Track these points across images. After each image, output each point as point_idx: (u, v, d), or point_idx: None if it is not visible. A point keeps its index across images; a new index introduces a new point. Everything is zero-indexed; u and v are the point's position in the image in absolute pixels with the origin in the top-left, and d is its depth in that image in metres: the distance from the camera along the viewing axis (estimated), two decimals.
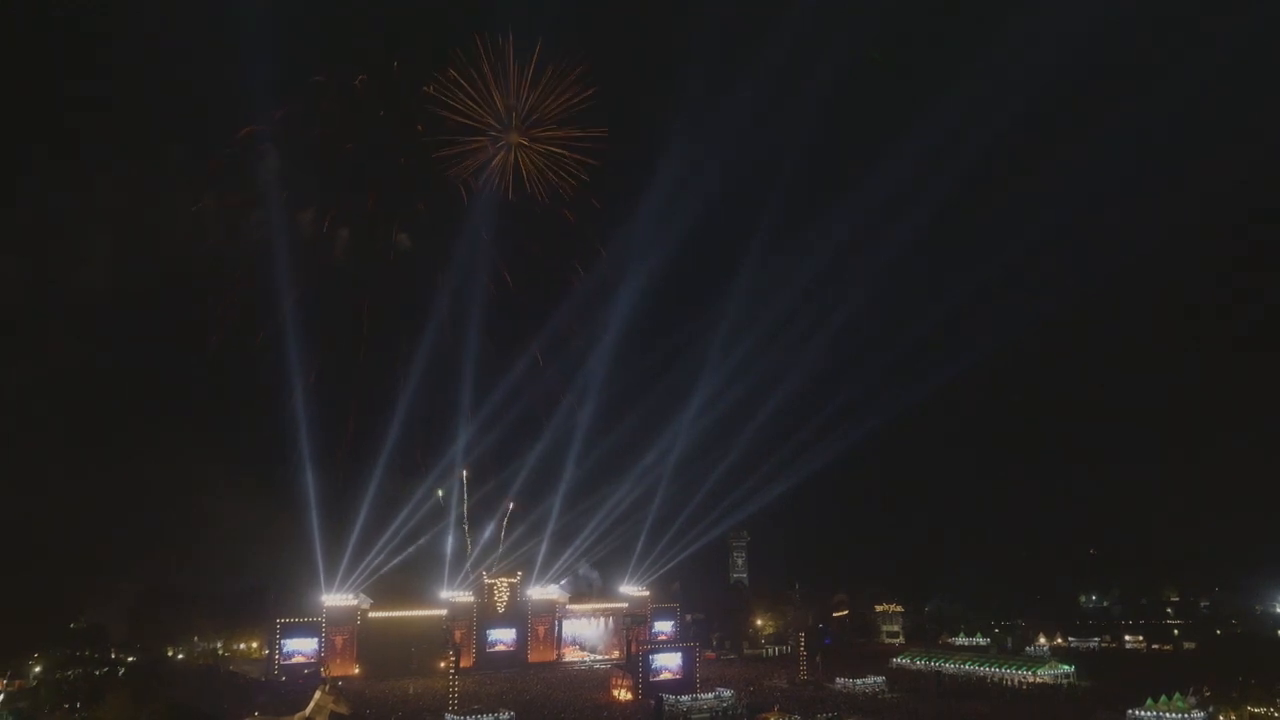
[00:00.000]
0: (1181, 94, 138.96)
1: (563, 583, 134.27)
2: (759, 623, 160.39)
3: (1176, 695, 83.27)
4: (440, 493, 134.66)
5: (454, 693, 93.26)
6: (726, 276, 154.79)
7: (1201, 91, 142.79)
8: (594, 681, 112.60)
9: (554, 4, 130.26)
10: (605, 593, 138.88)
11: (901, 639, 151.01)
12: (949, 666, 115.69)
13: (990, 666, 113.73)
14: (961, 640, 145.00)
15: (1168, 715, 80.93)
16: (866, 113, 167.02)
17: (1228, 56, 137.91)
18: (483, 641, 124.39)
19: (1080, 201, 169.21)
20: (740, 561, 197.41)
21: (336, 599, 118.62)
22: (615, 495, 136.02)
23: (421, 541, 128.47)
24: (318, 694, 66.03)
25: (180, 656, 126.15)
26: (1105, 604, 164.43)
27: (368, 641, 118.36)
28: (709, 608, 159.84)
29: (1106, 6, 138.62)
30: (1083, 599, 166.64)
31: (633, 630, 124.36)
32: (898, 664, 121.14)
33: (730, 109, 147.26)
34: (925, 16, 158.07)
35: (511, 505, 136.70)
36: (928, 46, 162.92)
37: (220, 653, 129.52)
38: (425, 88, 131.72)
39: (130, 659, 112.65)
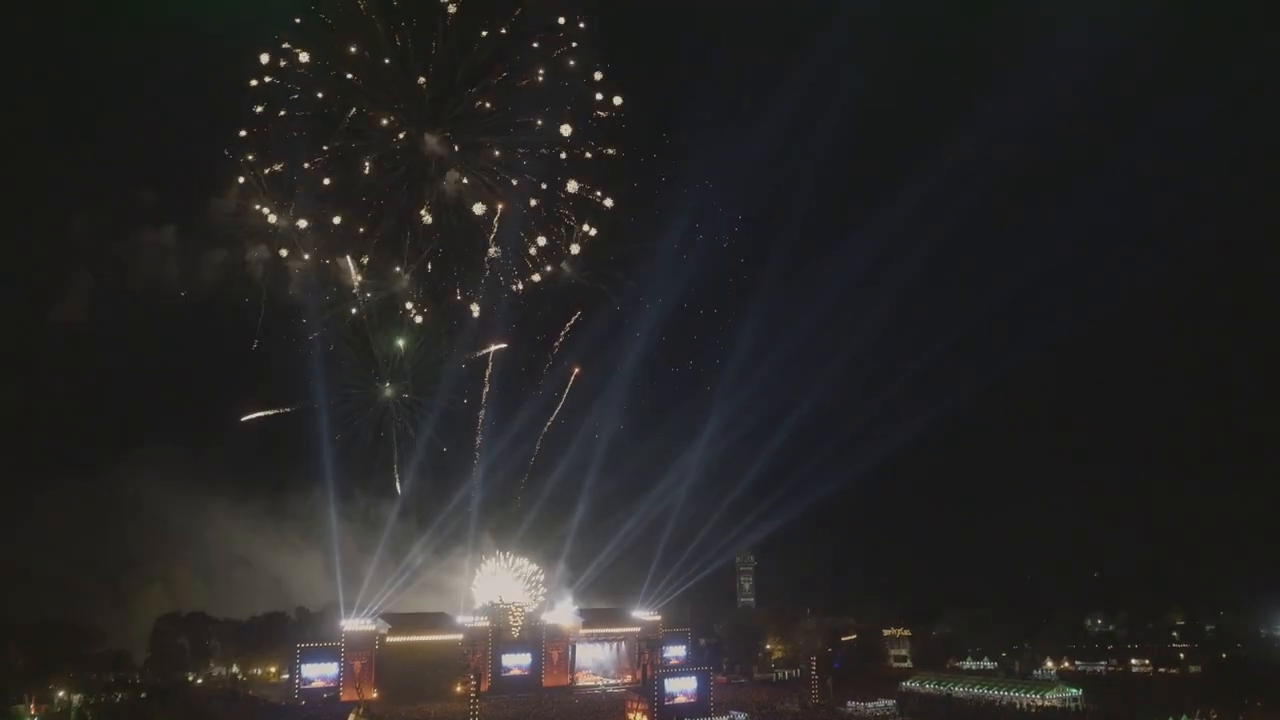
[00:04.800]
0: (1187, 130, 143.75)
1: (577, 608, 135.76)
2: (768, 646, 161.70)
3: (1184, 718, 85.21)
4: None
5: (474, 717, 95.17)
6: (736, 308, 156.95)
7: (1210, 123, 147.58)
8: (609, 706, 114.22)
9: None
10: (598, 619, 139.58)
11: (909, 663, 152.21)
12: (959, 690, 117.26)
13: (999, 690, 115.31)
14: (969, 664, 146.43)
15: None
16: (878, 140, 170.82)
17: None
18: (498, 666, 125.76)
19: (1094, 225, 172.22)
20: (747, 585, 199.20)
21: (355, 624, 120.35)
22: (628, 522, 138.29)
23: (440, 566, 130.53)
24: (351, 716, 68.12)
25: (199, 681, 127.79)
26: (1111, 628, 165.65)
27: (385, 666, 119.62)
28: (718, 631, 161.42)
29: (1116, 33, 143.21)
30: (1089, 623, 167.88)
31: (646, 655, 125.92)
32: (907, 687, 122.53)
33: (746, 136, 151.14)
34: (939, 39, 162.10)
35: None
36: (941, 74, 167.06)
37: (239, 677, 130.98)
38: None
39: (139, 684, 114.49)
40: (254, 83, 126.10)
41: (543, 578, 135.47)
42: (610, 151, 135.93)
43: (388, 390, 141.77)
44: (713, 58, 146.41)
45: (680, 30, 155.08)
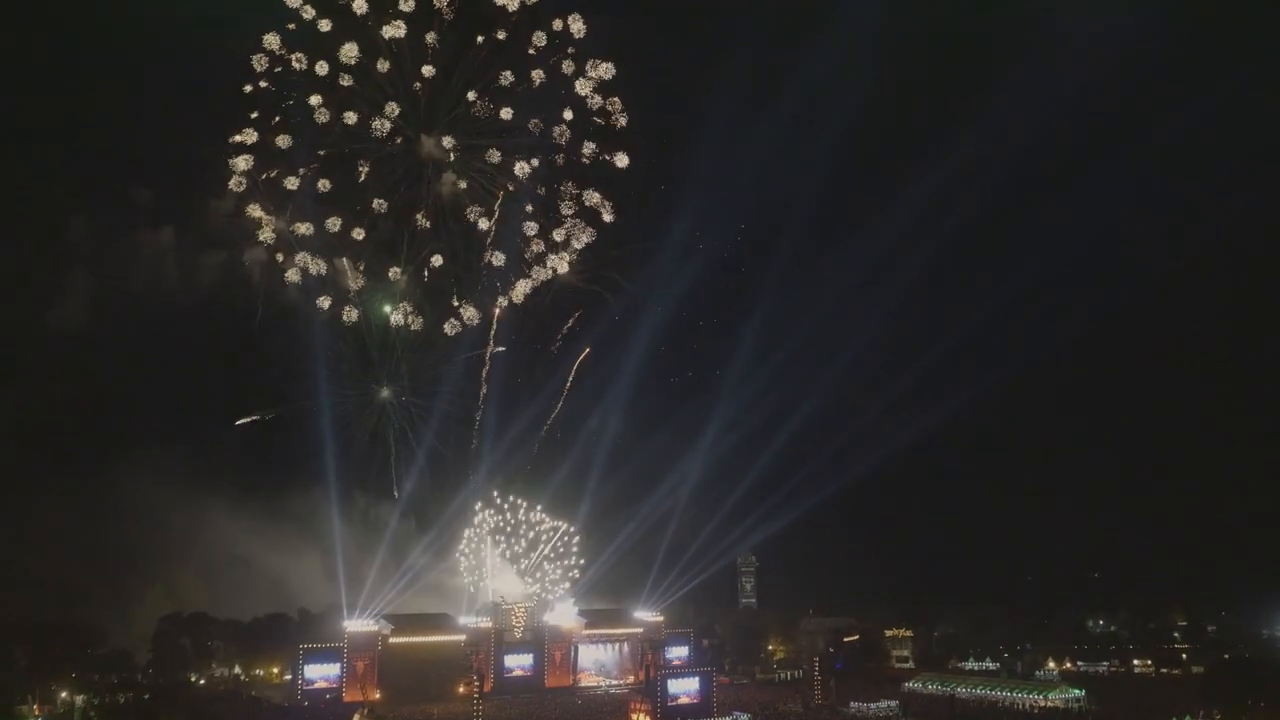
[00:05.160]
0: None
1: (578, 609, 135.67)
2: (770, 647, 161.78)
3: (1187, 718, 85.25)
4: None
5: (478, 717, 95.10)
6: (740, 311, 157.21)
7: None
8: (612, 706, 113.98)
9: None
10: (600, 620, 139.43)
11: (911, 663, 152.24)
12: (961, 691, 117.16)
13: (1002, 691, 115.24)
14: (971, 665, 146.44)
15: None
16: (883, 146, 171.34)
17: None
18: (500, 667, 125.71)
19: (1095, 226, 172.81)
20: (749, 586, 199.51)
21: (358, 625, 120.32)
22: (630, 524, 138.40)
23: (442, 568, 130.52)
24: (356, 717, 68.11)
25: (201, 682, 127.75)
26: (1112, 628, 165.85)
27: (388, 667, 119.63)
28: (720, 632, 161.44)
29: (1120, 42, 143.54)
30: (1090, 623, 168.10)
31: (649, 655, 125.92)
32: (910, 688, 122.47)
33: (749, 140, 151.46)
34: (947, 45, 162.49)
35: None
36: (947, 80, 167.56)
37: (241, 678, 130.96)
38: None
39: (143, 685, 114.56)
40: (248, 88, 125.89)
41: (576, 538, 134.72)
42: (607, 157, 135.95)
43: (384, 392, 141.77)
44: (714, 61, 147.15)
45: (682, 34, 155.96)
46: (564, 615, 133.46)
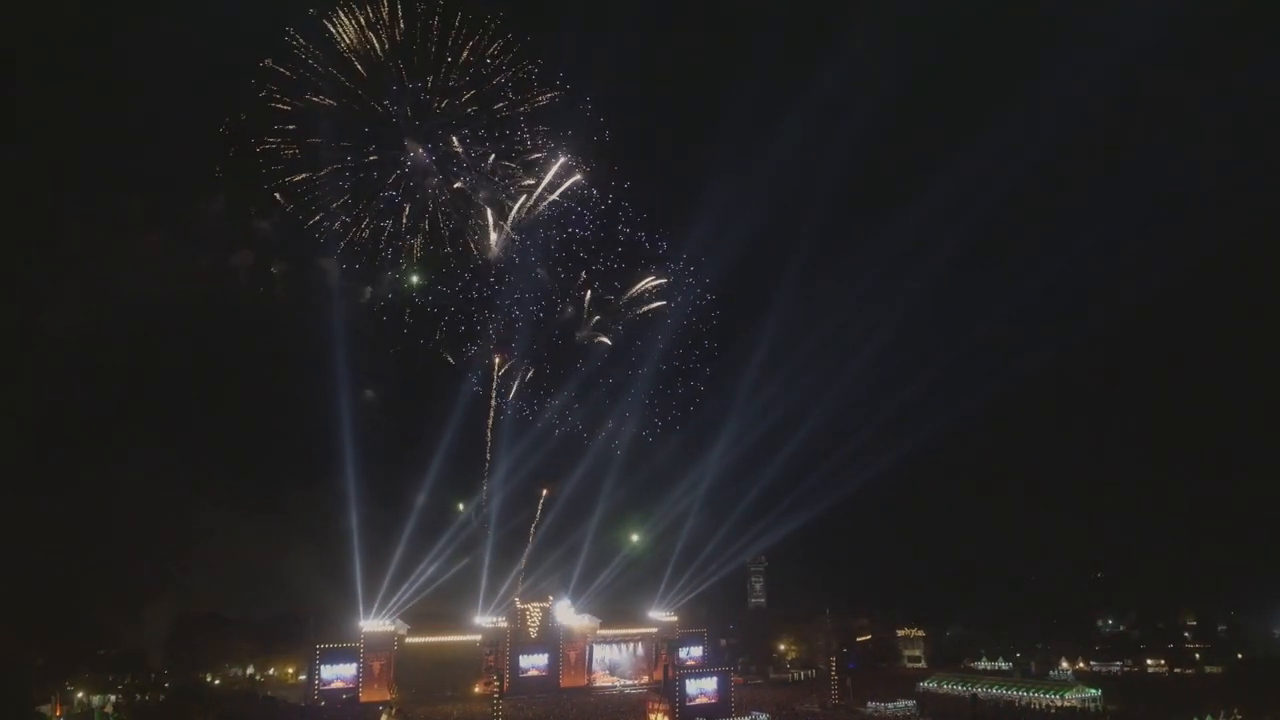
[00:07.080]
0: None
1: (592, 610, 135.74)
2: (782, 647, 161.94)
3: (1209, 718, 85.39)
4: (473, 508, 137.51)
5: (498, 717, 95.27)
6: (754, 314, 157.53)
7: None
8: (628, 706, 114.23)
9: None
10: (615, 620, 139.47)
11: (923, 663, 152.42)
12: (978, 691, 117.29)
13: (1018, 691, 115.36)
14: (984, 665, 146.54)
15: None
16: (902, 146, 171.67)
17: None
18: (515, 667, 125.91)
19: (1103, 230, 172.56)
20: (758, 586, 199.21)
21: (374, 625, 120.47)
22: (647, 523, 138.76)
23: (458, 568, 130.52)
24: (384, 717, 68.28)
25: (217, 682, 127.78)
26: (1122, 628, 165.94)
27: (404, 667, 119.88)
28: (732, 632, 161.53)
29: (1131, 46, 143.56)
30: (1100, 623, 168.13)
31: (664, 655, 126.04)
32: (925, 688, 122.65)
33: (767, 142, 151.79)
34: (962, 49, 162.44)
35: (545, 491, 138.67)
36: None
37: (256, 678, 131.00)
38: None
39: (165, 685, 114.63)
40: (226, 119, 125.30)
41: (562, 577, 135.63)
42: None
43: (369, 394, 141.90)
44: (731, 59, 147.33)
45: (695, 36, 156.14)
46: (579, 615, 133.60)
